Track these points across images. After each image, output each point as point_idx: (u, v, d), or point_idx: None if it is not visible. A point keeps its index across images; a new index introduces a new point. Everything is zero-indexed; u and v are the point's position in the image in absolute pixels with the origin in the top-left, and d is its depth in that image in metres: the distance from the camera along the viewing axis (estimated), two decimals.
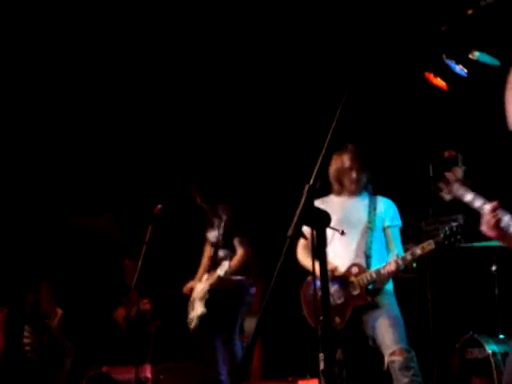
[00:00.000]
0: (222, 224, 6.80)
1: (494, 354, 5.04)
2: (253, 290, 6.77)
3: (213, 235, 6.87)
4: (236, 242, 6.74)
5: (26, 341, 6.78)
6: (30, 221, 8.44)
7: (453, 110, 7.29)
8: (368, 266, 5.13)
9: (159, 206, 6.58)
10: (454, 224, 4.90)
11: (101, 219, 8.75)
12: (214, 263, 6.73)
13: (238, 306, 6.66)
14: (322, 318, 2.52)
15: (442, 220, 7.11)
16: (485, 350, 5.12)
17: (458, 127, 7.30)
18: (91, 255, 8.56)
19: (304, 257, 5.35)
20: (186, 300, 7.71)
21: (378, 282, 5.08)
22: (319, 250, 2.44)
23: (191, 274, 7.05)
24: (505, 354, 5.05)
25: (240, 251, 6.68)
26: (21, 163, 8.54)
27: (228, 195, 7.27)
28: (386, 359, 4.93)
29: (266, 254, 6.88)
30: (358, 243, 5.20)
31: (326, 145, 2.55)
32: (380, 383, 5.85)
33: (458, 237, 4.85)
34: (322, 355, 5.04)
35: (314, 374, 7.62)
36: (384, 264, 5.06)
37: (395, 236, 5.29)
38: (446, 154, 7.25)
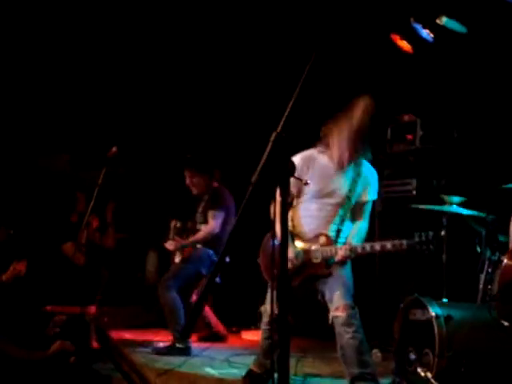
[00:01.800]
0: (203, 203, 7.36)
1: (437, 316, 5.10)
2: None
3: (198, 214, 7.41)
4: (209, 214, 7.19)
5: None
6: None
7: (416, 74, 7.30)
8: (337, 238, 5.12)
9: (114, 148, 6.55)
10: (431, 233, 4.90)
11: (57, 159, 8.65)
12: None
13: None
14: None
15: (395, 183, 7.17)
16: (428, 312, 5.18)
17: (419, 92, 7.33)
18: (45, 192, 8.48)
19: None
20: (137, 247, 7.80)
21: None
22: (282, 200, 2.43)
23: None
24: (447, 318, 5.12)
25: (210, 223, 7.16)
26: None
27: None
28: (331, 314, 4.99)
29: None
30: (332, 213, 5.14)
31: (295, 93, 2.54)
32: (324, 337, 5.94)
33: (431, 246, 4.87)
34: (263, 307, 5.14)
35: (258, 326, 7.71)
36: (351, 244, 5.04)
37: (367, 209, 5.25)
38: (405, 117, 7.27)
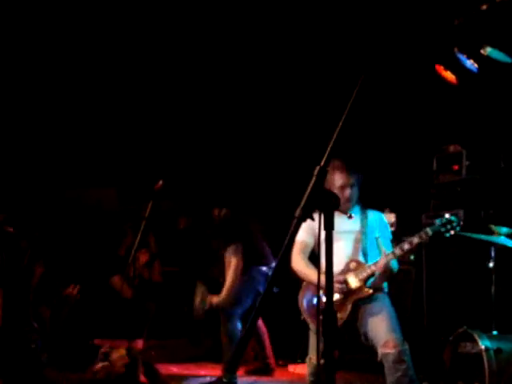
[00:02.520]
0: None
1: (486, 349, 5.03)
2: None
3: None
4: (226, 253, 7.20)
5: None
6: (33, 192, 8.47)
7: (461, 104, 7.27)
8: (365, 261, 5.12)
9: (160, 181, 6.62)
10: (448, 214, 4.89)
11: (103, 193, 8.75)
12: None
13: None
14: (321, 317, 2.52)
15: (442, 214, 7.10)
16: (478, 344, 5.11)
17: (464, 122, 7.29)
18: (92, 227, 8.57)
19: (299, 260, 5.21)
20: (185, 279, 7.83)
21: (377, 277, 5.05)
22: (327, 232, 2.44)
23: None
24: (497, 351, 5.05)
25: (232, 262, 7.13)
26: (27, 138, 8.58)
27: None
28: (380, 351, 4.91)
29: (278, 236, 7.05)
30: (353, 245, 5.18)
31: (338, 128, 2.55)
32: (370, 371, 5.88)
33: (454, 224, 4.85)
34: (308, 359, 5.12)
35: (305, 359, 7.66)
36: (382, 256, 5.05)
37: (387, 245, 5.27)
38: (451, 148, 7.24)
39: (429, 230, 4.91)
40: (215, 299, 7.20)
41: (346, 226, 5.16)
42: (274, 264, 7.18)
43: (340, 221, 5.11)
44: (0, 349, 5.04)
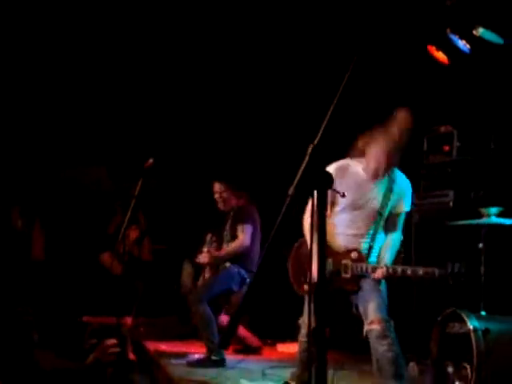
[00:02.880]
0: (229, 221, 7.49)
1: (474, 329, 5.05)
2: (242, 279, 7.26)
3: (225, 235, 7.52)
4: (238, 228, 7.30)
5: None
6: (23, 170, 8.44)
7: (452, 85, 7.26)
8: (368, 256, 5.10)
9: (150, 160, 6.59)
10: (463, 266, 4.87)
11: (92, 171, 8.73)
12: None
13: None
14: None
15: (432, 194, 7.13)
16: (466, 325, 5.14)
17: (456, 103, 7.28)
18: (83, 203, 8.56)
19: (308, 222, 5.10)
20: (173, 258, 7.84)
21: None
22: (319, 211, 2.43)
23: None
24: (485, 331, 5.07)
25: (240, 237, 7.27)
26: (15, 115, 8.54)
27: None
28: (365, 328, 4.97)
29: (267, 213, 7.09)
30: (364, 229, 5.12)
31: (332, 106, 2.54)
32: (358, 351, 5.90)
33: (462, 279, 4.84)
34: (301, 320, 5.11)
35: (293, 338, 7.69)
36: (381, 265, 5.01)
37: (400, 221, 5.22)
38: (442, 128, 7.23)
39: (436, 273, 4.88)
40: (214, 250, 7.36)
41: (368, 198, 5.12)
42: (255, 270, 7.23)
43: (365, 187, 5.12)
44: None
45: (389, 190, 5.14)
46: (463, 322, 5.17)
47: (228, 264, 7.23)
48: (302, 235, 5.24)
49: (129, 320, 7.29)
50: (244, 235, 7.20)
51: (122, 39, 8.34)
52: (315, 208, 2.44)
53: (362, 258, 5.06)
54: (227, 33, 8.18)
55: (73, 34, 8.10)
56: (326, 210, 2.49)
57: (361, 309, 5.04)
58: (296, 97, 8.52)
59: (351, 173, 5.17)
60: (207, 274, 7.35)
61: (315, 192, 2.43)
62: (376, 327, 4.90)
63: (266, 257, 2.48)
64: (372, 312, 4.94)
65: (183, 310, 7.95)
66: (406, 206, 5.23)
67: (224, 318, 7.28)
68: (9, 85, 8.34)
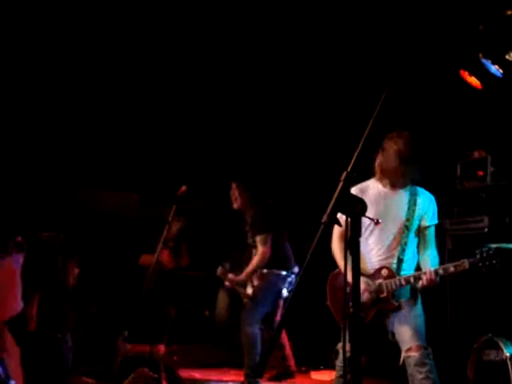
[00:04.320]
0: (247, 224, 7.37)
1: (511, 357, 4.99)
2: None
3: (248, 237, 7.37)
4: (257, 240, 7.15)
5: None
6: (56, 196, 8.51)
7: (485, 110, 7.22)
8: (398, 269, 5.05)
9: (183, 187, 6.63)
10: (492, 247, 4.81)
11: (125, 198, 8.79)
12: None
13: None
14: (351, 310, 2.50)
15: (466, 220, 7.07)
16: (502, 352, 5.08)
17: (489, 128, 7.24)
18: (113, 232, 8.60)
19: (337, 248, 5.16)
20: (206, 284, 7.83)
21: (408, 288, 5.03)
22: (353, 239, 2.42)
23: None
24: None
25: (259, 250, 7.11)
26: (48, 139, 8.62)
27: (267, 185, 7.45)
28: (403, 354, 4.92)
29: (302, 241, 7.07)
30: (392, 242, 5.09)
31: (365, 132, 2.54)
32: (394, 378, 5.85)
33: (494, 261, 4.76)
34: (339, 345, 5.07)
35: (327, 366, 7.64)
36: (416, 273, 4.98)
37: (431, 236, 5.16)
38: (476, 154, 7.18)
39: (466, 263, 4.83)
40: (233, 276, 7.27)
41: (393, 210, 5.11)
42: (295, 269, 7.17)
43: (387, 199, 5.12)
44: (31, 354, 5.05)
45: (412, 203, 5.13)
46: (500, 350, 5.12)
47: (265, 270, 7.15)
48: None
49: (162, 347, 7.29)
50: (263, 247, 7.07)
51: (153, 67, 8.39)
52: (349, 235, 2.44)
53: (393, 273, 5.02)
54: (256, 47, 8.19)
55: (98, 56, 8.15)
56: (360, 236, 2.48)
57: (398, 335, 4.99)
58: (328, 122, 8.52)
59: (370, 190, 5.19)
60: (249, 291, 7.24)
61: (349, 219, 2.43)
62: (414, 354, 4.85)
63: (301, 283, 2.48)
64: (410, 339, 4.90)
65: (216, 336, 7.95)
66: (430, 220, 5.18)
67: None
68: (42, 106, 8.43)
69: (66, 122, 8.61)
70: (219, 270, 7.39)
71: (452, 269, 4.86)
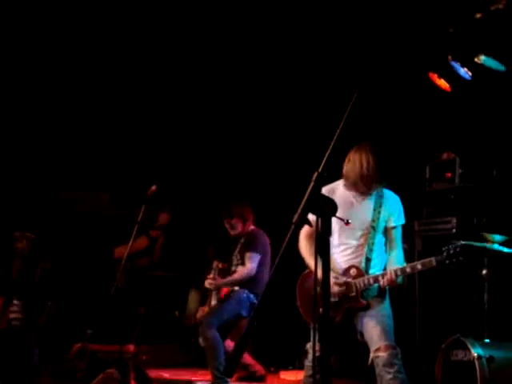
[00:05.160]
0: (239, 245, 7.42)
1: (479, 357, 5.04)
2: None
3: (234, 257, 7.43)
4: (246, 256, 7.21)
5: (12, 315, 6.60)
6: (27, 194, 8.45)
7: (454, 112, 7.29)
8: (367, 268, 5.07)
9: (153, 187, 6.62)
10: (458, 244, 4.85)
11: (96, 196, 8.73)
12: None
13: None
14: (320, 310, 2.51)
15: (435, 221, 7.13)
16: (470, 352, 5.12)
17: (458, 130, 7.31)
18: (82, 229, 8.54)
19: (305, 247, 5.20)
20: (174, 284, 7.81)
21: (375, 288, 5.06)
22: (323, 239, 2.43)
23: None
24: (490, 359, 5.05)
25: (247, 266, 7.18)
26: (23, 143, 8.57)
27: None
28: (371, 355, 4.93)
29: (272, 240, 7.08)
30: (359, 243, 5.11)
31: (336, 133, 2.55)
32: (363, 378, 5.87)
33: (460, 258, 4.80)
34: (309, 345, 5.08)
35: (296, 366, 7.66)
36: (382, 272, 5.01)
37: (397, 236, 5.19)
38: (444, 155, 7.25)
39: (433, 260, 4.87)
40: (218, 277, 7.30)
41: (359, 212, 5.14)
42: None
43: (354, 202, 5.17)
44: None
45: (378, 205, 5.17)
46: (467, 350, 5.16)
47: (237, 288, 7.18)
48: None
49: (131, 347, 7.27)
50: (251, 264, 7.16)
51: (126, 54, 8.34)
52: (319, 235, 2.45)
53: (361, 272, 5.05)
54: (240, 54, 8.21)
55: (74, 46, 8.10)
56: (330, 236, 2.49)
57: (366, 335, 5.01)
58: (298, 124, 8.55)
59: (338, 192, 5.22)
60: (213, 301, 7.31)
61: (319, 219, 2.44)
62: (383, 354, 4.87)
63: (270, 283, 2.48)
64: (378, 339, 4.92)
65: (186, 337, 7.93)
66: (396, 220, 5.22)
67: (230, 344, 7.22)
68: (13, 104, 8.37)
69: (39, 121, 8.57)
70: (216, 263, 7.41)
71: (419, 266, 4.90)
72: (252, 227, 7.43)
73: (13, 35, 7.67)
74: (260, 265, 7.20)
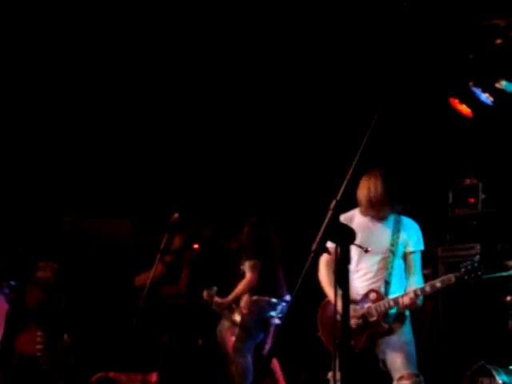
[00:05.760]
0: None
1: None
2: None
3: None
4: (246, 266, 7.08)
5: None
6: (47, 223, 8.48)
7: (476, 137, 7.27)
8: (386, 292, 5.07)
9: (176, 214, 6.63)
10: (476, 259, 4.85)
11: (118, 224, 8.76)
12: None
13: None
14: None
15: (458, 247, 7.08)
16: (495, 379, 5.07)
17: (480, 155, 7.29)
18: (107, 259, 8.56)
19: (324, 275, 5.22)
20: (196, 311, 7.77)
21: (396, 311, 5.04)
22: (342, 267, 2.43)
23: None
24: None
25: (247, 276, 7.05)
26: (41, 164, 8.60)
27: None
28: (395, 383, 4.91)
29: (291, 269, 7.03)
30: (378, 267, 5.13)
31: (354, 161, 2.56)
32: None
33: (479, 273, 4.80)
34: (330, 374, 5.06)
35: None
36: (402, 293, 5.00)
37: (416, 262, 5.21)
38: (467, 181, 7.22)
39: (452, 277, 4.87)
40: (219, 299, 7.20)
41: (377, 238, 5.17)
42: (287, 297, 7.11)
43: (371, 228, 5.23)
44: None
45: (397, 230, 5.21)
46: (492, 377, 5.12)
47: (255, 297, 7.10)
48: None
49: (154, 376, 7.25)
50: (251, 273, 7.00)
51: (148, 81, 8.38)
52: (338, 263, 2.45)
53: (381, 296, 5.05)
54: (247, 75, 8.22)
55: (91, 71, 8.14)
56: (349, 264, 2.49)
57: (389, 364, 4.98)
58: (318, 151, 8.54)
59: (356, 219, 5.26)
60: (237, 318, 7.18)
61: (338, 247, 2.44)
62: (406, 383, 4.84)
63: (291, 311, 2.48)
64: (401, 367, 4.89)
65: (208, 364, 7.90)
66: (414, 246, 5.23)
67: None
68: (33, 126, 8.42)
69: (60, 148, 8.61)
70: (205, 293, 7.32)
71: (438, 284, 4.90)
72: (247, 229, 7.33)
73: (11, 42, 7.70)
74: (265, 266, 7.10)
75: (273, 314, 7.01)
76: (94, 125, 8.61)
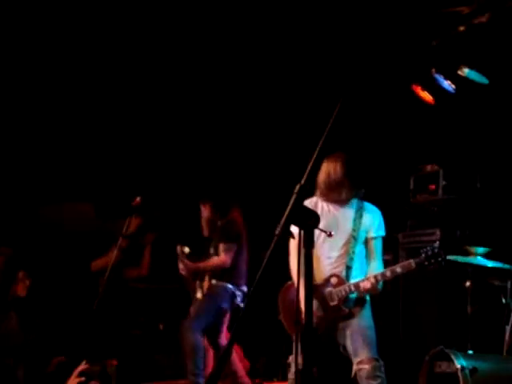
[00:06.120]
0: (213, 243, 7.19)
1: (462, 368, 5.04)
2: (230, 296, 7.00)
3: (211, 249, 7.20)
4: (220, 247, 7.00)
5: None
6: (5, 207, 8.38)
7: (438, 124, 7.32)
8: (348, 277, 5.09)
9: (138, 198, 6.58)
10: (436, 245, 4.89)
11: (79, 207, 8.68)
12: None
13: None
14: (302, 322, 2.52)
15: (419, 233, 7.14)
16: (454, 364, 5.12)
17: (442, 142, 7.34)
18: (65, 242, 8.48)
19: (294, 260, 5.18)
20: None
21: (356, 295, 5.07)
22: (306, 250, 2.43)
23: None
24: (473, 370, 5.06)
25: (221, 256, 6.98)
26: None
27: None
28: (354, 367, 4.95)
29: (255, 253, 7.02)
30: (340, 252, 5.15)
31: (318, 146, 2.56)
32: None
33: (439, 259, 4.85)
34: (292, 358, 5.08)
35: (280, 378, 7.64)
36: (363, 278, 5.03)
37: (377, 247, 5.24)
38: (428, 167, 7.28)
39: (413, 262, 4.91)
40: (189, 261, 7.12)
41: (339, 223, 5.18)
42: (244, 287, 7.07)
43: (334, 212, 5.23)
44: None
45: (359, 215, 5.22)
46: (451, 361, 5.16)
47: (214, 281, 7.05)
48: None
49: (114, 361, 7.21)
50: (226, 255, 6.93)
51: (112, 64, 8.29)
52: (301, 247, 2.45)
53: (342, 280, 5.07)
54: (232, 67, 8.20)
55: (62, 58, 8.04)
56: (312, 249, 2.49)
57: (349, 348, 5.01)
58: (282, 134, 8.54)
59: (320, 204, 5.27)
60: (199, 295, 7.13)
61: (302, 232, 2.44)
62: (366, 367, 4.88)
63: (253, 296, 2.48)
64: (361, 351, 4.93)
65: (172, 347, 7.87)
66: (377, 231, 5.26)
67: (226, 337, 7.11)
68: None
69: (19, 131, 8.48)
70: (178, 248, 7.23)
71: (399, 269, 4.94)
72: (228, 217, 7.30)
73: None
74: (238, 254, 7.06)
75: (229, 300, 6.97)
76: (56, 106, 8.50)
